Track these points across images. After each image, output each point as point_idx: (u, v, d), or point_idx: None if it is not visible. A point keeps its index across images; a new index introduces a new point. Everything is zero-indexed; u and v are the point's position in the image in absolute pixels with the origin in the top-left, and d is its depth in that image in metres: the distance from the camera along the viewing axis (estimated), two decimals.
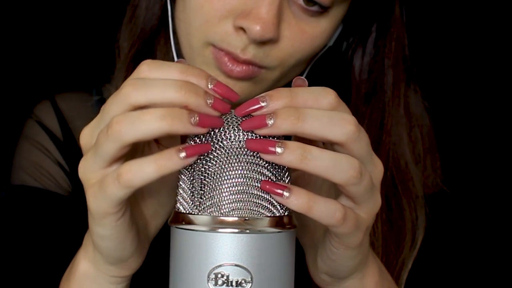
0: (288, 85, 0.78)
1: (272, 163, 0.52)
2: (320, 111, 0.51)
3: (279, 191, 0.51)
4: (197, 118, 0.50)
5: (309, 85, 0.55)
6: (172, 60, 0.80)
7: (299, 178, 0.60)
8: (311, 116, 0.50)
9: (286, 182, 0.53)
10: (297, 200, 0.51)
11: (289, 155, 0.50)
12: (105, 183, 0.52)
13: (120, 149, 0.51)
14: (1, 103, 1.26)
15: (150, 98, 0.51)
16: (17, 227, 0.84)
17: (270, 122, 0.50)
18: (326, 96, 0.52)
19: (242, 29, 0.70)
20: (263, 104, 0.51)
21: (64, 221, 0.83)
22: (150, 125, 0.49)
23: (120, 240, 0.56)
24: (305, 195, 0.51)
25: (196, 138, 0.52)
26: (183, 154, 0.50)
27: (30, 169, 0.86)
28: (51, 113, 0.90)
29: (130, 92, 0.51)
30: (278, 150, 0.50)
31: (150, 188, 0.60)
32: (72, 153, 0.87)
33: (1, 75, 1.27)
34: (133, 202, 0.59)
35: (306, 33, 0.73)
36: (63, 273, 0.65)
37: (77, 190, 0.85)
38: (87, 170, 0.54)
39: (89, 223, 0.56)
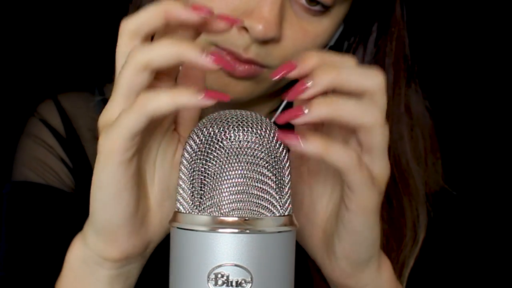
0: (290, 84, 0.79)
1: (272, 163, 0.52)
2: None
3: (294, 141, 0.52)
4: (209, 54, 0.51)
5: None
6: None
7: (303, 174, 0.61)
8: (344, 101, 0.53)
9: (287, 182, 0.53)
10: (313, 144, 0.52)
11: (318, 105, 0.52)
12: (119, 116, 0.52)
13: (138, 73, 0.52)
14: (4, 103, 1.27)
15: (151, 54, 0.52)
16: (20, 222, 0.84)
17: (306, 111, 0.52)
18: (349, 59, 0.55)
19: (245, 28, 0.70)
20: (308, 84, 0.52)
21: (67, 217, 0.83)
22: (163, 49, 0.52)
23: (115, 192, 0.54)
24: (321, 138, 0.52)
25: (196, 138, 0.52)
26: (201, 95, 0.51)
27: (32, 165, 0.86)
28: (54, 111, 0.90)
29: (135, 51, 0.53)
30: (305, 110, 0.51)
31: (160, 171, 0.59)
32: (75, 150, 0.87)
33: (3, 75, 1.28)
34: (140, 183, 0.58)
35: (308, 33, 0.74)
36: None
37: (81, 187, 0.86)
38: (108, 112, 0.54)
39: (93, 174, 0.55)
